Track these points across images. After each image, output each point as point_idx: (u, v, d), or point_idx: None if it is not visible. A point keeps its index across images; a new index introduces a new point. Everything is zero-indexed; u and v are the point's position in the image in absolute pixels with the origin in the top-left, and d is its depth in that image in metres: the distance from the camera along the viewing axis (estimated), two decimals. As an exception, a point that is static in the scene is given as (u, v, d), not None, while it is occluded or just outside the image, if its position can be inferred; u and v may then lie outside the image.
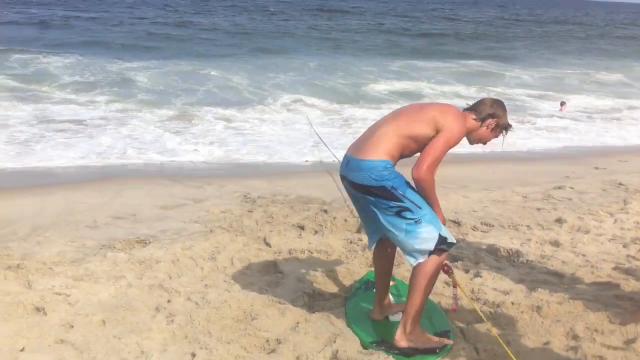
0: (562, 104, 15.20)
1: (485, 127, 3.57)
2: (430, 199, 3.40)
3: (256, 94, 15.68)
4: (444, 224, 3.49)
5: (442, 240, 3.41)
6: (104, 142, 10.07)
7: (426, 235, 3.37)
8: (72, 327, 3.75)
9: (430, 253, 3.40)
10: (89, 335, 3.65)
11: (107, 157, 9.24)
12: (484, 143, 3.67)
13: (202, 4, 49.38)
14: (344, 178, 3.56)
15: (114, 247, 5.29)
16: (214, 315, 3.91)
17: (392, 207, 3.37)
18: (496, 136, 3.65)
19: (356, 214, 6.08)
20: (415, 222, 3.37)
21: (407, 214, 3.36)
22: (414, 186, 3.42)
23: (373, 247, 3.81)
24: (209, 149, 10.04)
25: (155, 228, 5.96)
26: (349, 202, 6.72)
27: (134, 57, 20.44)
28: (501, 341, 3.44)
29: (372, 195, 3.39)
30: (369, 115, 13.33)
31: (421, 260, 3.42)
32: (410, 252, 3.43)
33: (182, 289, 4.34)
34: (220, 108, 13.62)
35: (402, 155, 3.49)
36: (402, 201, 3.35)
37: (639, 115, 15.12)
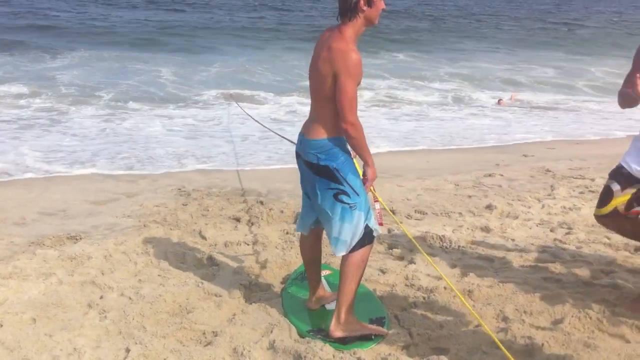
0: (499, 100, 15.50)
1: (363, 13, 3.26)
2: (363, 147, 3.36)
3: (185, 90, 15.28)
4: (375, 178, 3.51)
5: (368, 232, 3.48)
6: (29, 140, 9.69)
7: (357, 226, 3.43)
8: (2, 326, 3.64)
9: (356, 246, 3.46)
10: (19, 334, 3.56)
11: (33, 158, 8.79)
12: (382, 9, 3.32)
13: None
14: (299, 155, 3.56)
15: (44, 244, 5.14)
16: (148, 309, 3.86)
17: (332, 188, 3.39)
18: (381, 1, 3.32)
19: (293, 203, 6.15)
20: (351, 207, 3.41)
21: (344, 198, 3.40)
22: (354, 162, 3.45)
23: (301, 232, 3.83)
24: (141, 144, 9.82)
25: (86, 224, 5.82)
26: (285, 193, 6.77)
27: (57, 54, 19.62)
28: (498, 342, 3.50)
29: (317, 174, 3.42)
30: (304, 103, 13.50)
31: (344, 253, 3.48)
32: (337, 240, 3.47)
33: (115, 285, 4.26)
34: (150, 103, 13.31)
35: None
36: (341, 184, 3.38)
37: (568, 106, 15.60)
